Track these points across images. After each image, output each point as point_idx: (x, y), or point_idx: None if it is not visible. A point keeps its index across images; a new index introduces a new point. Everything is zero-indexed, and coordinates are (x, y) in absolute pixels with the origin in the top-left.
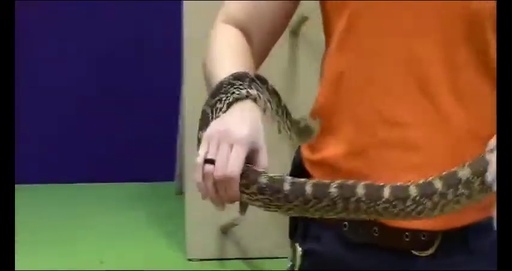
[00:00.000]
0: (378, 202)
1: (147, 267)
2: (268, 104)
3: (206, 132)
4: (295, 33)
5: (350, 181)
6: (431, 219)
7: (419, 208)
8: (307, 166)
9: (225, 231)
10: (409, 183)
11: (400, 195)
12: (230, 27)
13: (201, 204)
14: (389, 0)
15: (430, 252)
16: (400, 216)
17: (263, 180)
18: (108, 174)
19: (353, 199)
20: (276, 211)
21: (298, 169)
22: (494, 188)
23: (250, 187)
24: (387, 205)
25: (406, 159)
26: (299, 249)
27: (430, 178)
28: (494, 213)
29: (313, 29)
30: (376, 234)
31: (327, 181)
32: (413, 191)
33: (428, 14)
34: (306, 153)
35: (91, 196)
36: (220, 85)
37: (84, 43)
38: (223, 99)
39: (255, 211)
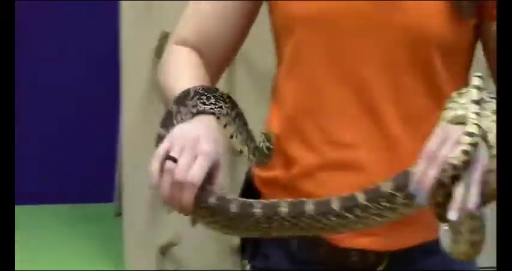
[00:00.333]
0: (302, 218)
1: None
2: (233, 124)
3: (173, 131)
4: None
5: (274, 201)
6: (359, 230)
7: (343, 222)
8: (258, 184)
9: (164, 251)
10: (332, 197)
11: (323, 209)
12: (183, 47)
13: (139, 225)
14: (334, 27)
15: None
16: (325, 230)
17: (212, 200)
18: (45, 195)
19: (277, 217)
20: (224, 231)
21: (250, 186)
22: (419, 201)
23: (200, 205)
24: (310, 220)
25: (354, 181)
26: (248, 266)
27: (355, 192)
28: (440, 234)
29: (252, 48)
30: (324, 253)
31: (253, 201)
32: (335, 205)
33: (371, 40)
34: (257, 171)
35: (29, 218)
36: (188, 92)
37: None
38: (191, 105)
39: (193, 231)
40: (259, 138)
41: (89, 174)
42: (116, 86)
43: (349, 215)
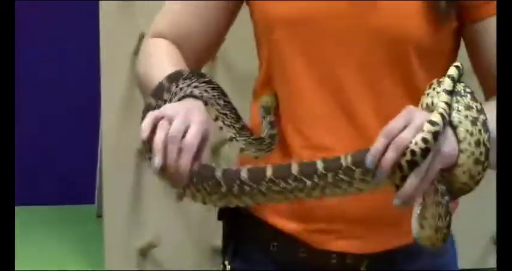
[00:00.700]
0: (262, 182)
1: None
2: (220, 110)
3: (165, 106)
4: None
5: (235, 168)
6: (317, 199)
7: (301, 186)
8: None
9: (144, 253)
10: (292, 162)
11: (283, 173)
12: (161, 39)
13: (119, 227)
14: (312, 28)
15: None
16: (284, 194)
17: (196, 167)
18: (26, 196)
19: (237, 182)
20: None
21: None
22: (377, 180)
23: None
24: (270, 184)
25: None
26: (228, 267)
27: (316, 160)
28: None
29: (231, 52)
30: (304, 255)
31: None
32: (295, 170)
33: (349, 42)
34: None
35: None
36: (179, 73)
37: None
38: (180, 85)
39: (173, 232)
40: (262, 127)
41: (70, 176)
42: (96, 87)
43: (307, 180)
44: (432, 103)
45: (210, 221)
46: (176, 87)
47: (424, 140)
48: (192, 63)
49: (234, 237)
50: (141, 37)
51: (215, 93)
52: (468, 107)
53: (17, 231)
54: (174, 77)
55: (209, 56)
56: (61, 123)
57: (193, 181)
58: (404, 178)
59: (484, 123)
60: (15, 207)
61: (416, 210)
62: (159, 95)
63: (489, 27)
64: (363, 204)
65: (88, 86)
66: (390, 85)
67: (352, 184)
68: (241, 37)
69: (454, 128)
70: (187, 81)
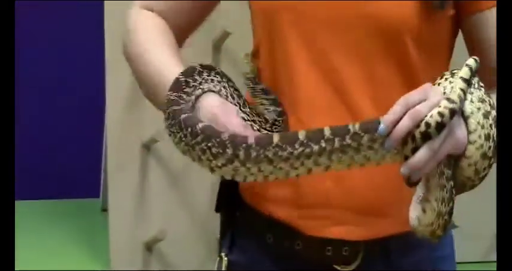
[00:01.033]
0: (268, 147)
1: None
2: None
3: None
4: (217, 48)
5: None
6: (324, 171)
7: (307, 150)
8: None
9: (150, 247)
10: (299, 130)
11: (290, 139)
12: (149, 12)
13: (124, 221)
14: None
15: (352, 267)
16: (290, 161)
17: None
18: (31, 190)
19: (244, 145)
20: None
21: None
22: (387, 146)
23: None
24: (277, 149)
25: (331, 173)
26: (225, 259)
27: (323, 127)
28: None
29: (236, 45)
30: (299, 246)
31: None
32: (302, 135)
33: (344, 30)
34: None
35: (15, 213)
36: (194, 69)
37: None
38: (198, 83)
39: (178, 226)
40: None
41: (76, 170)
42: (101, 84)
43: (314, 145)
44: (444, 93)
45: (215, 214)
46: (195, 81)
47: (441, 114)
48: (177, 37)
49: (230, 229)
50: None
51: (227, 84)
52: (481, 100)
53: (23, 225)
54: (190, 73)
55: (188, 35)
56: (67, 118)
57: (199, 140)
58: (414, 151)
59: (495, 119)
60: (22, 201)
61: (419, 193)
62: (178, 90)
63: (488, 20)
64: (359, 190)
65: (93, 84)
66: (387, 74)
67: (359, 151)
68: (245, 32)
69: (466, 119)
70: (205, 76)
